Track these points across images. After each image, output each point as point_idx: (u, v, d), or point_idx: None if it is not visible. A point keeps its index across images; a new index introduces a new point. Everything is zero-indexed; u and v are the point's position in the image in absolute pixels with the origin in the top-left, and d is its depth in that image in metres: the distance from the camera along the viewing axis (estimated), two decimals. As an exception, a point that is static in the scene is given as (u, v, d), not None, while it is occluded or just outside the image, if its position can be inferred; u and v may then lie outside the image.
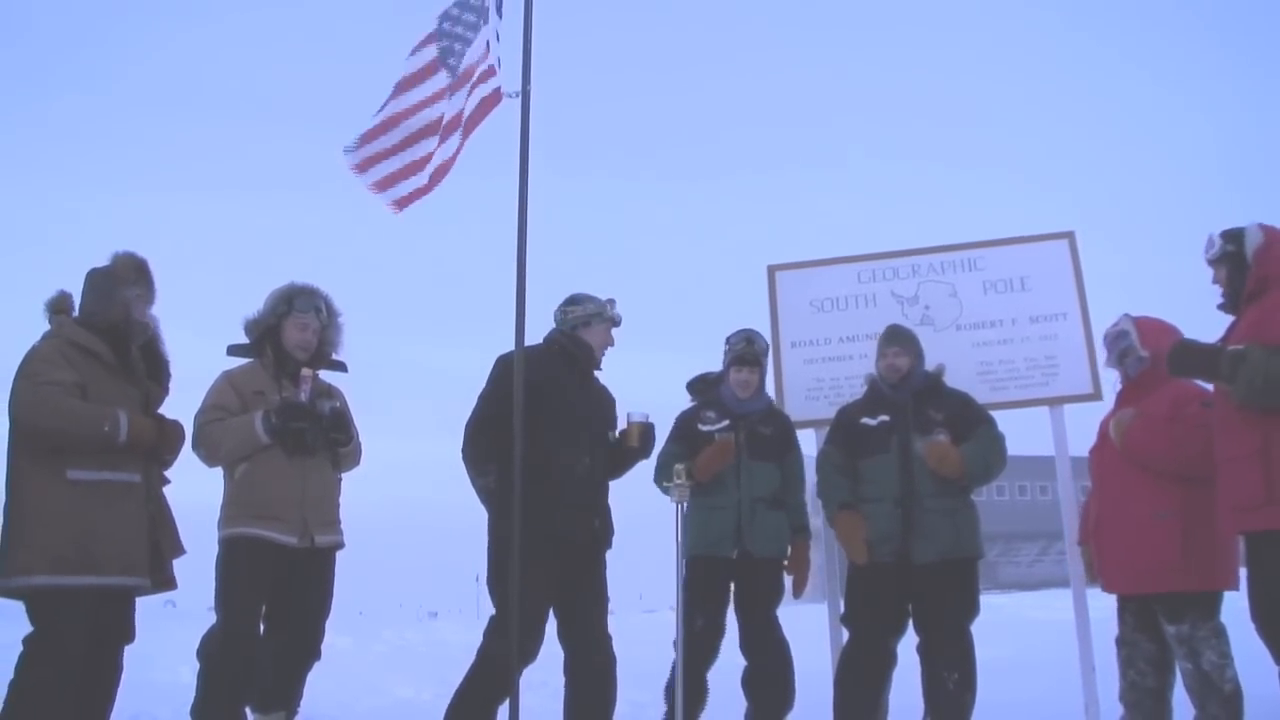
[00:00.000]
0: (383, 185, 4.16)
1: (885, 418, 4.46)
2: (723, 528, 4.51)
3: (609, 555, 4.28)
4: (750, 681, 4.53)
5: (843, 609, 4.57)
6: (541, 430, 3.96)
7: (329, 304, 4.31)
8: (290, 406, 4.03)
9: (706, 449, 4.53)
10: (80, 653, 3.46)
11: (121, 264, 3.76)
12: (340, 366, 4.36)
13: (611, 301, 4.38)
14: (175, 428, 3.84)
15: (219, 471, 4.11)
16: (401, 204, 4.17)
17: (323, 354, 4.31)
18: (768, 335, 5.19)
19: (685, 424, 4.76)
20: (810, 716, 4.69)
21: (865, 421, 4.51)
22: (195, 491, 4.21)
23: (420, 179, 4.17)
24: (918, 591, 4.32)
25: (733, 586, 4.61)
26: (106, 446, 3.52)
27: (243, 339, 4.26)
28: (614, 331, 4.40)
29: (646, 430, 4.33)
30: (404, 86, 4.23)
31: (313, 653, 4.14)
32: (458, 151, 4.19)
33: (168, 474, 3.88)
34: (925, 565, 4.25)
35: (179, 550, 3.81)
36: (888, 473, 4.37)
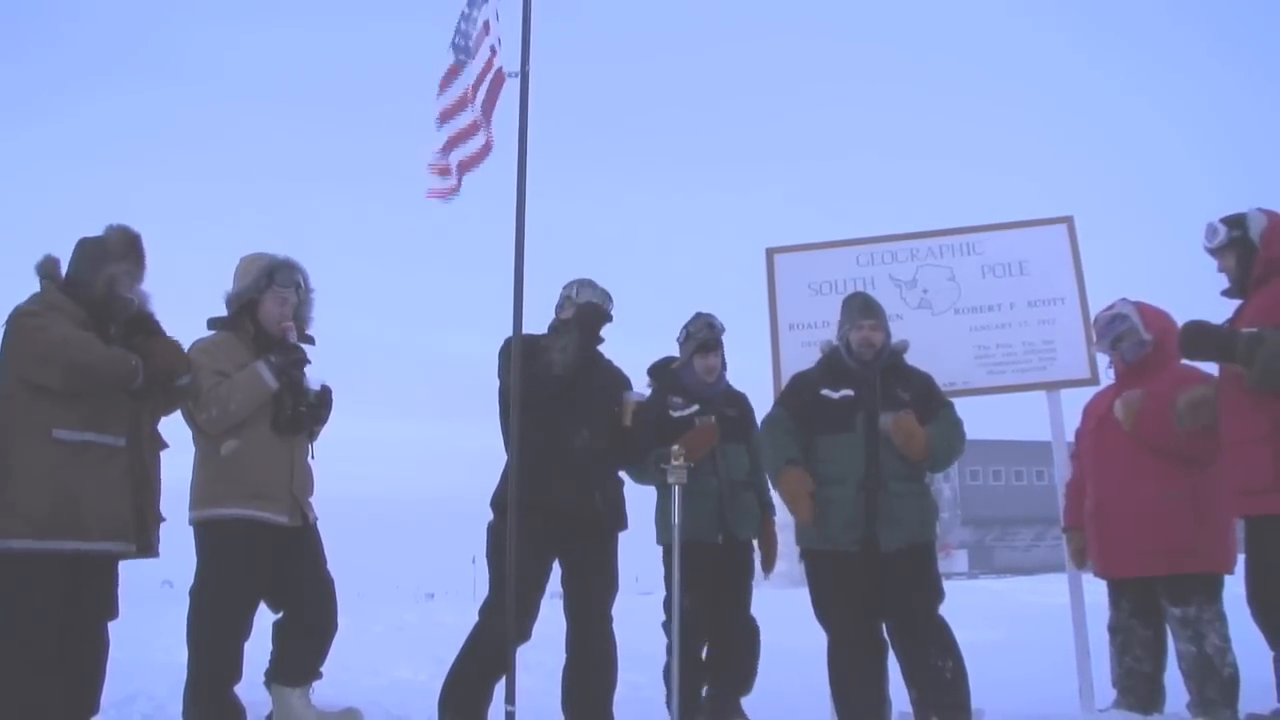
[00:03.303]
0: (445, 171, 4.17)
1: (849, 392, 4.18)
2: (706, 513, 4.50)
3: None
4: (714, 662, 4.56)
5: (811, 600, 4.24)
6: (539, 408, 4.00)
7: (306, 278, 4.23)
8: (287, 349, 4.03)
9: (689, 433, 4.47)
10: (54, 624, 3.36)
11: (113, 237, 3.69)
12: (308, 340, 4.25)
13: (581, 283, 4.35)
14: (170, 345, 3.74)
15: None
16: (443, 193, 4.17)
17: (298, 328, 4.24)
18: (765, 317, 5.25)
19: None
20: (805, 704, 4.72)
21: (826, 393, 4.20)
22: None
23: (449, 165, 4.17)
24: (886, 578, 4.04)
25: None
26: (126, 384, 3.52)
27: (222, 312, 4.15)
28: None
29: (638, 409, 4.33)
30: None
31: (334, 625, 4.09)
32: (487, 142, 4.16)
33: (167, 440, 3.78)
34: (892, 552, 4.01)
35: (159, 518, 3.72)
36: (851, 453, 4.09)
